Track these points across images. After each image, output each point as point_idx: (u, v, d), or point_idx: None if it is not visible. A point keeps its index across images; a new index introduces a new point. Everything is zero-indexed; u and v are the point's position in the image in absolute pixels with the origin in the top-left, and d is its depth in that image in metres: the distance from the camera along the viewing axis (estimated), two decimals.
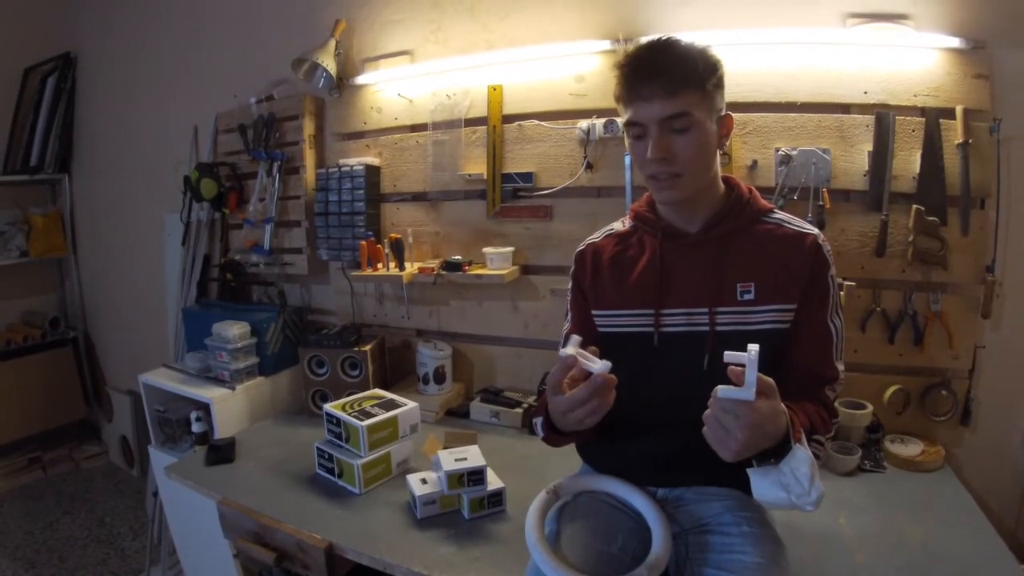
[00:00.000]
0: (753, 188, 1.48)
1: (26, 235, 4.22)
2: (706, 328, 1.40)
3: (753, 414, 1.05)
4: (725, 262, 1.40)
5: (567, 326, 1.61)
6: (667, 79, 1.27)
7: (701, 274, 1.41)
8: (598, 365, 1.19)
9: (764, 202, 1.47)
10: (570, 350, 1.20)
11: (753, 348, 1.06)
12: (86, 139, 4.25)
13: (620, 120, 1.38)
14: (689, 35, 1.35)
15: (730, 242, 1.41)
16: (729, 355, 1.07)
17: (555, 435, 1.41)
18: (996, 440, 2.08)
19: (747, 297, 1.38)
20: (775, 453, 1.13)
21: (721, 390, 1.08)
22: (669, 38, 1.33)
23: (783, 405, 1.14)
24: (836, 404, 1.44)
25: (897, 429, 2.10)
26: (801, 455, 1.13)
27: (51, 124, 4.21)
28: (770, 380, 1.09)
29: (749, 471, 1.19)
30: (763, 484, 1.17)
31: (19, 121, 4.33)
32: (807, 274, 1.37)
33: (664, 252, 1.45)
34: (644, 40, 1.37)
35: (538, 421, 1.47)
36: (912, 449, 2.01)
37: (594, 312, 1.52)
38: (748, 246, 1.40)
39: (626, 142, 1.41)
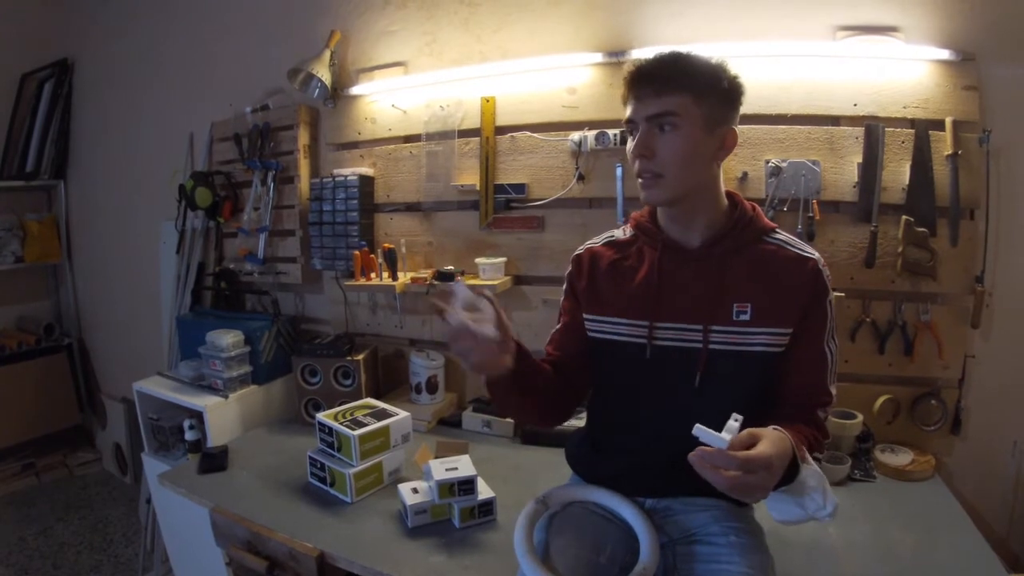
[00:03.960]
0: (757, 206, 1.48)
1: (21, 241, 4.22)
2: (699, 345, 1.40)
3: (759, 458, 1.06)
4: (723, 280, 1.40)
5: (558, 326, 1.62)
6: (660, 80, 1.31)
7: (698, 290, 1.40)
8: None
9: (767, 221, 1.46)
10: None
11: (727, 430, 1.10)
12: (82, 146, 4.26)
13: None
14: (681, 48, 1.37)
15: (730, 260, 1.41)
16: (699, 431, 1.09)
17: (493, 392, 1.40)
18: (986, 449, 2.09)
19: (743, 317, 1.38)
20: (786, 478, 1.15)
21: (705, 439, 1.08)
22: (683, 51, 1.35)
23: (782, 432, 1.16)
24: (827, 421, 1.44)
25: (887, 439, 2.11)
26: (808, 473, 1.17)
27: (47, 130, 4.22)
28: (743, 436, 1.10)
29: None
30: (780, 506, 1.22)
31: (15, 127, 4.34)
32: (805, 299, 1.37)
33: (663, 264, 1.44)
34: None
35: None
36: (902, 459, 2.01)
37: (586, 316, 1.53)
38: (748, 266, 1.40)
39: (627, 144, 1.42)
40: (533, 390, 1.40)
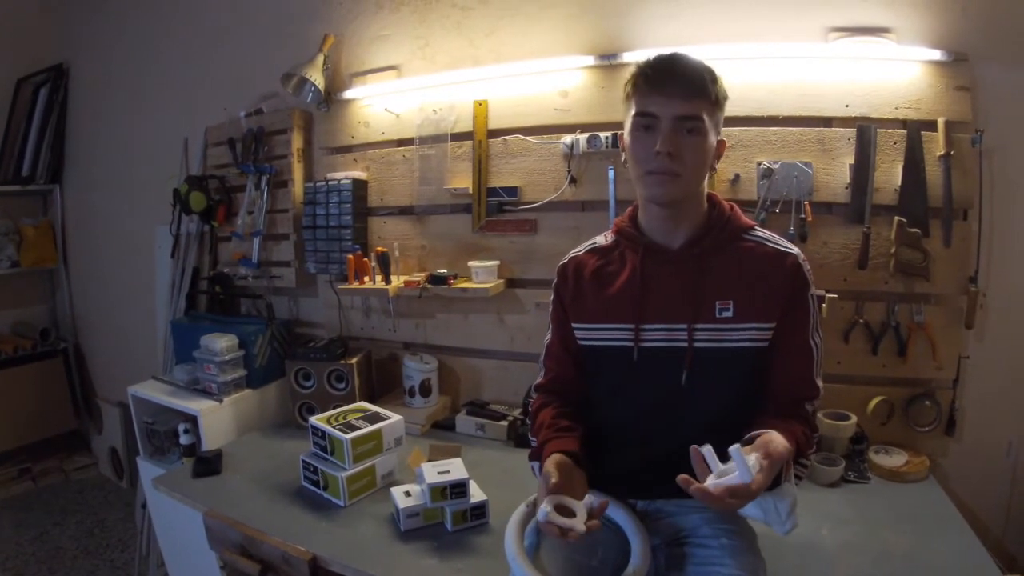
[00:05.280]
0: (735, 205, 1.49)
1: (17, 246, 4.22)
2: (685, 344, 1.40)
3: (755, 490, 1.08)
4: (705, 279, 1.41)
5: (548, 337, 1.62)
6: (689, 82, 1.32)
7: (681, 290, 1.41)
8: (576, 520, 1.21)
9: (746, 219, 1.48)
10: (544, 516, 1.20)
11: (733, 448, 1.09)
12: (78, 150, 4.26)
13: (627, 117, 1.40)
14: (675, 51, 1.38)
15: (711, 259, 1.42)
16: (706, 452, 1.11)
17: None
18: (981, 450, 2.09)
19: (725, 315, 1.38)
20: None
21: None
22: (684, 54, 1.37)
23: (784, 448, 1.17)
24: (818, 417, 1.44)
25: (881, 440, 2.10)
26: (786, 492, 1.18)
27: (43, 135, 4.22)
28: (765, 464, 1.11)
29: None
30: None
31: (11, 132, 4.34)
32: (787, 294, 1.38)
33: (645, 267, 1.45)
34: (657, 53, 1.39)
35: (535, 465, 1.49)
36: (896, 460, 2.01)
37: (574, 325, 1.53)
38: (728, 264, 1.41)
39: (625, 141, 1.42)
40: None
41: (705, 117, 1.32)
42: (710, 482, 1.08)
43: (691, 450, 1.12)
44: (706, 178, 1.43)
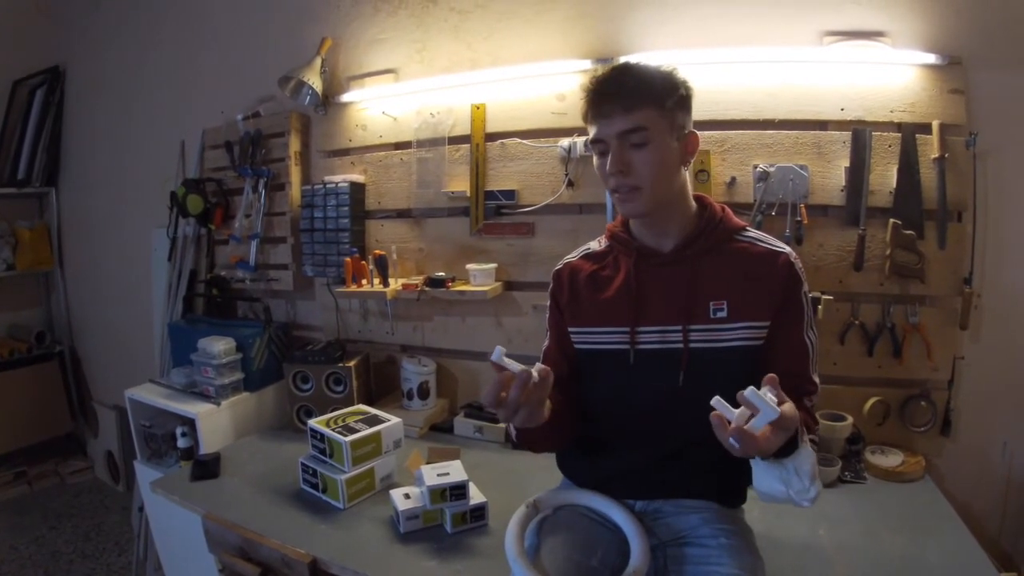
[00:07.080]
0: (726, 207, 1.51)
1: (13, 248, 4.21)
2: (680, 345, 1.41)
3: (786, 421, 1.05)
4: (698, 280, 1.42)
5: (546, 343, 1.63)
6: (625, 96, 1.32)
7: (675, 292, 1.43)
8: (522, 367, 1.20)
9: (737, 220, 1.49)
10: (498, 356, 1.20)
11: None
12: (74, 153, 4.25)
13: (588, 140, 1.43)
14: (669, 54, 1.40)
15: (703, 260, 1.43)
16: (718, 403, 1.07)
17: (524, 439, 1.44)
18: (977, 449, 2.10)
19: (719, 315, 1.40)
20: (781, 451, 1.14)
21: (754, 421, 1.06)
22: (633, 62, 1.39)
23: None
24: (814, 411, 1.45)
25: (877, 440, 2.12)
26: (805, 455, 1.17)
27: (39, 137, 4.22)
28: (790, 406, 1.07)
29: (753, 462, 1.21)
30: (765, 477, 1.21)
31: (7, 134, 4.34)
32: (780, 292, 1.39)
33: (638, 271, 1.47)
34: (610, 64, 1.42)
35: (512, 430, 1.49)
36: (892, 460, 2.03)
37: (571, 329, 1.54)
38: (721, 264, 1.43)
39: (594, 161, 1.44)
40: (559, 428, 1.41)
41: (650, 125, 1.32)
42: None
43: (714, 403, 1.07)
44: (679, 179, 1.43)
